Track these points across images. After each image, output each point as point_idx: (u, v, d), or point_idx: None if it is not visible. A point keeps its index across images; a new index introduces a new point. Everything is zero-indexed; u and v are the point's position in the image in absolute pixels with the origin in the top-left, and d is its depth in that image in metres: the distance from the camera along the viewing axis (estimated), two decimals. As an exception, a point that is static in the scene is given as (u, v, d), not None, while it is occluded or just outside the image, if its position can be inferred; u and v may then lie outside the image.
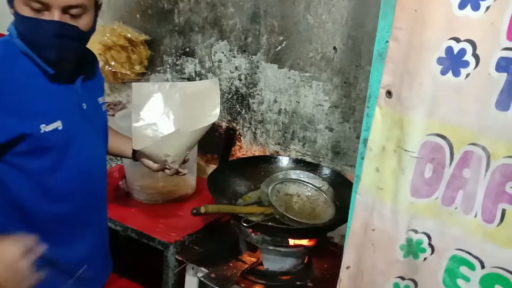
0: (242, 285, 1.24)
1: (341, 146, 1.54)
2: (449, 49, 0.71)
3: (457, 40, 0.70)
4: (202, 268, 1.30)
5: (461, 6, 0.69)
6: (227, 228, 1.45)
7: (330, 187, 1.43)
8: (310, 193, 1.41)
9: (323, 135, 1.57)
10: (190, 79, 1.86)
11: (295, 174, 1.48)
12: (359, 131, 1.48)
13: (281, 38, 1.58)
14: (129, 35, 1.82)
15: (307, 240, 1.28)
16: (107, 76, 1.91)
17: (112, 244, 1.22)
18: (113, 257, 1.21)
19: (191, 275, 1.35)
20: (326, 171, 1.50)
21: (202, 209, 1.12)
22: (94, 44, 1.74)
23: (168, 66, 1.90)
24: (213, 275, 1.20)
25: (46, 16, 0.88)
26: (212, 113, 1.21)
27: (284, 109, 1.64)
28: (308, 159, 1.61)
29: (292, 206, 1.36)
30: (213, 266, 1.26)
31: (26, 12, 0.88)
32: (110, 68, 1.85)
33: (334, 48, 1.48)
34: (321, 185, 1.44)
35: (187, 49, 1.82)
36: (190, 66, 1.84)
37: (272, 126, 1.69)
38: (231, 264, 1.26)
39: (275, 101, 1.65)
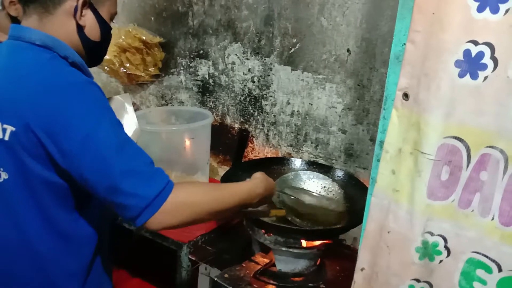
0: (255, 286, 1.24)
1: (354, 148, 1.54)
2: (467, 52, 0.71)
3: (475, 43, 0.70)
4: (215, 268, 1.31)
5: (480, 9, 0.69)
6: (239, 229, 1.45)
7: (341, 189, 1.44)
8: (322, 205, 1.40)
9: (336, 137, 1.57)
10: (203, 81, 1.87)
11: (305, 174, 1.48)
12: (372, 133, 1.48)
13: (295, 40, 1.59)
14: (144, 37, 1.84)
15: (320, 242, 1.28)
16: (122, 78, 1.94)
17: (126, 244, 1.23)
18: (126, 257, 1.23)
19: (204, 275, 1.36)
20: (339, 173, 1.50)
21: None
22: (109, 46, 1.76)
23: (182, 68, 1.92)
24: (226, 276, 1.21)
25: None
26: (129, 128, 1.22)
27: (297, 111, 1.65)
28: (321, 161, 1.61)
29: (303, 213, 1.36)
30: (226, 267, 1.26)
31: (108, 22, 0.97)
32: (125, 70, 1.88)
33: (348, 50, 1.48)
34: (331, 189, 1.45)
35: (201, 51, 1.84)
36: (204, 68, 1.86)
37: (284, 128, 1.70)
38: (244, 265, 1.26)
39: (288, 103, 1.66)
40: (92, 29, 0.95)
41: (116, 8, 1.02)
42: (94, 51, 0.98)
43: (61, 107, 0.81)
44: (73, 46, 0.93)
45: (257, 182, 1.07)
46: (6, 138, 0.84)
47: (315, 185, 1.46)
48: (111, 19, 1.01)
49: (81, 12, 0.92)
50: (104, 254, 1.04)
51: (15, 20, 1.21)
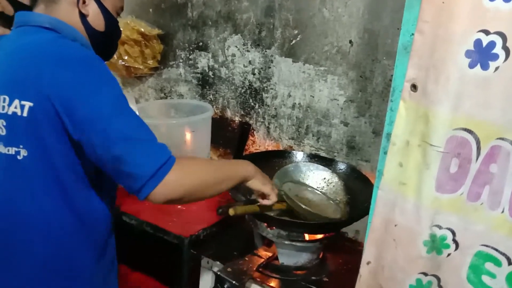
0: (258, 280, 1.23)
1: (356, 141, 1.53)
2: (477, 42, 0.70)
3: (487, 32, 0.69)
4: (218, 262, 1.30)
5: (492, -2, 0.67)
6: (241, 222, 1.44)
7: (341, 180, 1.43)
8: (321, 201, 1.39)
9: (338, 130, 1.56)
10: (203, 73, 1.85)
11: (305, 166, 1.47)
12: (374, 125, 1.47)
13: (296, 32, 1.57)
14: (142, 30, 1.81)
15: (323, 235, 1.28)
16: (120, 71, 1.91)
17: (126, 238, 1.22)
18: (127, 251, 1.21)
19: (206, 269, 1.35)
20: (341, 166, 1.49)
21: (231, 212, 1.12)
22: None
23: (181, 61, 1.90)
24: (229, 269, 1.20)
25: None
26: None
27: (298, 104, 1.63)
28: (322, 154, 1.60)
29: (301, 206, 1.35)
30: (228, 260, 1.26)
31: (113, 14, 1.01)
32: (123, 63, 1.85)
33: (350, 41, 1.46)
34: (331, 180, 1.44)
35: (200, 44, 1.82)
36: (203, 61, 1.83)
37: (285, 121, 1.68)
38: (246, 259, 1.26)
39: (289, 96, 1.64)
40: (96, 19, 0.97)
41: (123, 2, 1.05)
42: (100, 42, 0.99)
43: (73, 78, 0.84)
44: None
45: (245, 161, 1.10)
46: (25, 114, 0.86)
47: (315, 177, 1.45)
48: (117, 13, 1.04)
49: (83, 1, 0.95)
50: (113, 236, 1.07)
51: (1, 15, 1.20)
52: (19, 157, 0.88)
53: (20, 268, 0.95)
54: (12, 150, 0.89)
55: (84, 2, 0.95)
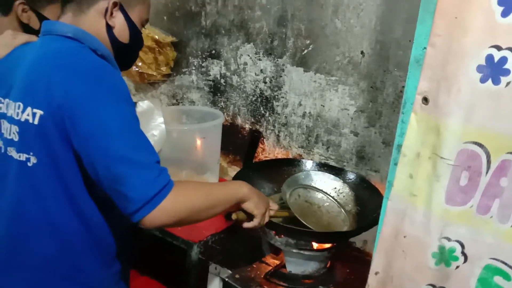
0: (265, 287, 1.24)
1: (366, 151, 1.53)
2: (489, 57, 0.71)
3: (498, 48, 0.70)
4: (225, 269, 1.31)
5: (504, 14, 0.68)
6: (250, 230, 1.45)
7: (351, 191, 1.43)
8: (331, 208, 1.40)
9: (348, 140, 1.57)
10: (215, 81, 1.88)
11: (316, 175, 1.48)
12: (385, 136, 1.47)
13: (308, 41, 1.58)
14: (156, 37, 1.84)
15: (331, 244, 1.28)
16: (134, 76, 1.94)
17: (136, 243, 1.23)
18: (135, 255, 1.22)
19: (214, 275, 1.36)
20: (350, 176, 1.50)
21: (233, 216, 1.13)
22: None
23: (193, 68, 1.93)
24: (237, 276, 1.21)
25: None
26: (156, 133, 1.24)
27: (309, 113, 1.64)
28: (332, 163, 1.61)
29: (309, 214, 1.35)
30: (236, 267, 1.27)
31: (139, 27, 1.02)
32: (137, 69, 1.88)
33: (362, 52, 1.48)
34: (342, 190, 1.44)
35: (213, 51, 1.84)
36: (216, 68, 1.86)
37: (295, 129, 1.69)
38: (254, 266, 1.27)
39: (300, 104, 1.66)
40: (121, 31, 0.99)
41: (148, 14, 1.05)
42: (122, 53, 1.00)
43: (82, 91, 0.84)
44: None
45: (241, 183, 1.09)
46: (36, 122, 0.87)
47: (326, 186, 1.46)
48: (143, 24, 1.05)
49: (111, 12, 0.96)
50: (126, 253, 1.06)
51: (26, 27, 1.24)
52: (29, 164, 0.89)
53: (27, 272, 0.95)
54: (23, 157, 0.90)
55: (111, 14, 0.96)
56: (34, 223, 0.93)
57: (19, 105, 0.89)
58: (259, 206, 1.08)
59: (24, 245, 0.94)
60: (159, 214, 0.83)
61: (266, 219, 1.12)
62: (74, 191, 0.91)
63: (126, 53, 1.03)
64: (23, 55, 0.96)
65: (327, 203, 1.41)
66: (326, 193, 1.43)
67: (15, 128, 0.90)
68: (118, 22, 0.98)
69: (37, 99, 0.87)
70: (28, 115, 0.88)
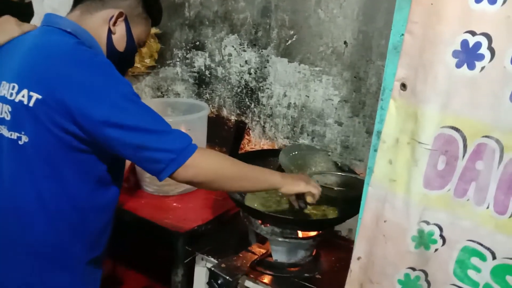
0: (251, 276, 1.25)
1: (350, 140, 1.55)
2: (464, 43, 0.72)
3: (473, 33, 0.71)
4: (212, 259, 1.32)
5: (478, 0, 0.70)
6: (236, 219, 1.46)
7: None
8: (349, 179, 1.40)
9: (332, 130, 1.58)
10: (199, 72, 1.87)
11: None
12: (368, 125, 1.49)
13: (292, 32, 1.59)
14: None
15: (316, 232, 1.30)
16: (118, 69, 1.92)
17: (121, 235, 1.24)
18: (122, 247, 1.23)
19: (200, 266, 1.37)
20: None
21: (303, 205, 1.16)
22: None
23: (178, 60, 1.92)
24: (223, 265, 1.22)
25: None
26: None
27: (294, 103, 1.65)
28: (317, 153, 1.62)
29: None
30: (223, 257, 1.27)
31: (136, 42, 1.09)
32: (121, 61, 1.86)
33: (345, 42, 1.48)
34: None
35: (197, 43, 1.84)
36: (200, 60, 1.85)
37: (281, 120, 1.70)
38: (240, 255, 1.27)
39: (285, 95, 1.66)
40: (120, 39, 1.05)
41: (147, 38, 1.14)
42: (114, 60, 1.02)
43: (89, 81, 0.89)
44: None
45: (273, 171, 1.17)
46: (31, 104, 0.90)
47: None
48: (139, 44, 1.12)
49: (115, 21, 1.03)
50: (107, 239, 1.10)
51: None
52: (20, 142, 0.93)
53: (19, 254, 0.98)
54: (14, 135, 0.93)
55: (115, 22, 1.03)
56: (25, 199, 0.95)
57: (13, 86, 0.93)
58: (298, 184, 1.14)
59: (15, 221, 0.97)
60: (186, 170, 0.92)
61: (316, 187, 1.17)
62: (66, 173, 0.95)
63: (117, 60, 1.05)
64: (22, 42, 1.00)
65: (342, 178, 1.42)
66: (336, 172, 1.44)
67: (7, 108, 0.94)
68: (119, 31, 1.05)
69: (36, 83, 0.90)
70: (23, 96, 0.91)
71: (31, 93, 0.90)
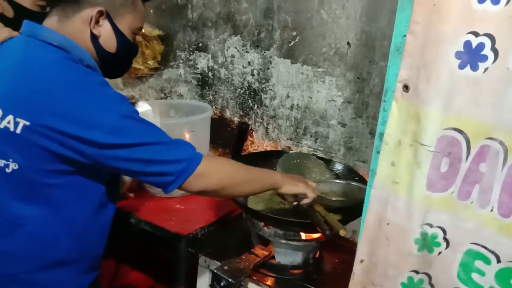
0: (254, 278, 1.25)
1: (354, 141, 1.54)
2: (467, 43, 0.71)
3: (476, 34, 0.70)
4: (215, 261, 1.31)
5: (481, 0, 0.69)
6: (239, 221, 1.46)
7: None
8: (347, 187, 1.39)
9: (336, 131, 1.57)
10: (203, 74, 1.87)
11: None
12: (372, 126, 1.48)
13: (294, 33, 1.58)
14: (143, 30, 1.83)
15: (319, 234, 1.29)
16: (121, 71, 1.92)
17: (125, 237, 1.24)
18: (126, 250, 1.23)
19: (203, 267, 1.36)
20: (338, 167, 1.50)
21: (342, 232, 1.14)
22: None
23: (181, 61, 1.92)
24: (226, 267, 1.21)
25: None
26: None
27: (297, 105, 1.65)
28: (320, 154, 1.61)
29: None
30: (225, 259, 1.27)
31: (128, 36, 0.99)
32: (124, 63, 1.86)
33: (348, 43, 1.48)
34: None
35: (200, 44, 1.84)
36: (203, 61, 1.85)
37: (284, 121, 1.70)
38: (243, 257, 1.27)
39: (288, 96, 1.66)
40: (108, 40, 0.96)
41: (141, 23, 1.03)
42: (109, 62, 0.98)
43: (82, 101, 0.84)
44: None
45: (272, 171, 1.19)
46: (18, 131, 0.85)
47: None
48: (134, 33, 1.01)
49: (96, 21, 0.93)
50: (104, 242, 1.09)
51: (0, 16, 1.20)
52: (7, 170, 0.88)
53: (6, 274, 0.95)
54: (1, 163, 0.89)
55: (97, 23, 0.93)
56: (13, 224, 0.92)
57: None
58: (296, 184, 1.13)
59: (5, 246, 0.94)
60: (197, 179, 0.91)
61: (314, 189, 1.17)
62: (58, 197, 0.92)
63: (113, 62, 1.00)
64: (2, 54, 0.93)
65: (339, 186, 1.41)
66: (334, 180, 1.43)
67: None
68: (105, 31, 0.95)
69: (22, 108, 0.84)
70: (9, 123, 0.85)
71: (18, 119, 0.84)
